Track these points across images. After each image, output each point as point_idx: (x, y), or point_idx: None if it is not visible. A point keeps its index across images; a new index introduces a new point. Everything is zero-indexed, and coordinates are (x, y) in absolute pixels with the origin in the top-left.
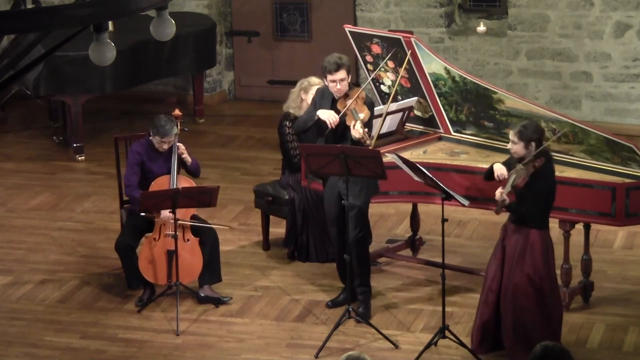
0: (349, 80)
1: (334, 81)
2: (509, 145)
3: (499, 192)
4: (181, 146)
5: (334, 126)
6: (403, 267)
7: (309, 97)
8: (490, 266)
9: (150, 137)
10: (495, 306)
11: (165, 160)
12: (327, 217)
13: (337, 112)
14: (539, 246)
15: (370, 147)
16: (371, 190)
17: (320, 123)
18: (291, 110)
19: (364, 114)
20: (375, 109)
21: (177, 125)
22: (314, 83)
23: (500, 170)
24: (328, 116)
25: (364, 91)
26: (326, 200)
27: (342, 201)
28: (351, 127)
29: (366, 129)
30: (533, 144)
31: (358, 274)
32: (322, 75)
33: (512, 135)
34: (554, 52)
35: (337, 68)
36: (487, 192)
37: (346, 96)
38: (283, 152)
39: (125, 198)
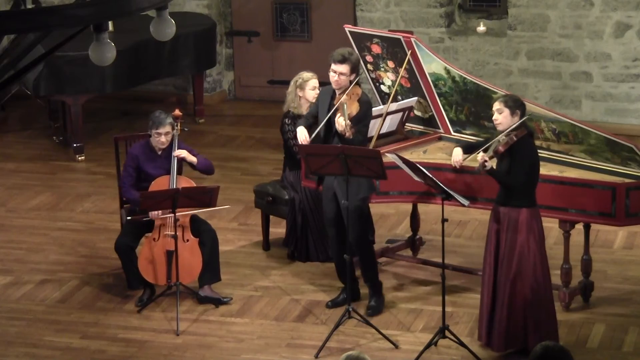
0: (352, 79)
1: (334, 72)
2: (494, 117)
3: (480, 156)
4: (182, 151)
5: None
6: (403, 267)
7: (306, 93)
8: (486, 258)
9: (150, 137)
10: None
11: (162, 162)
12: (325, 217)
13: (333, 106)
14: (530, 225)
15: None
16: (365, 188)
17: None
18: (291, 109)
19: (350, 110)
20: (375, 109)
21: (173, 120)
22: (307, 78)
23: (456, 157)
24: (299, 135)
25: (361, 89)
26: (324, 201)
27: (343, 202)
28: (336, 119)
29: (349, 122)
30: (518, 112)
31: (365, 273)
32: (329, 62)
33: (497, 104)
34: (554, 52)
35: (342, 61)
36: (487, 192)
37: (345, 93)
38: (285, 149)
39: (125, 198)
